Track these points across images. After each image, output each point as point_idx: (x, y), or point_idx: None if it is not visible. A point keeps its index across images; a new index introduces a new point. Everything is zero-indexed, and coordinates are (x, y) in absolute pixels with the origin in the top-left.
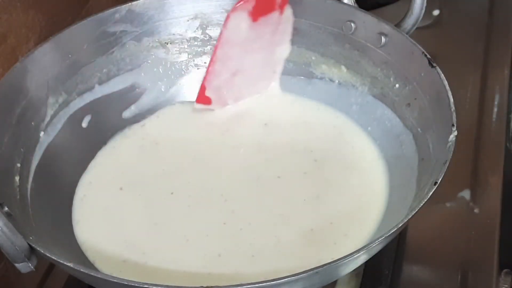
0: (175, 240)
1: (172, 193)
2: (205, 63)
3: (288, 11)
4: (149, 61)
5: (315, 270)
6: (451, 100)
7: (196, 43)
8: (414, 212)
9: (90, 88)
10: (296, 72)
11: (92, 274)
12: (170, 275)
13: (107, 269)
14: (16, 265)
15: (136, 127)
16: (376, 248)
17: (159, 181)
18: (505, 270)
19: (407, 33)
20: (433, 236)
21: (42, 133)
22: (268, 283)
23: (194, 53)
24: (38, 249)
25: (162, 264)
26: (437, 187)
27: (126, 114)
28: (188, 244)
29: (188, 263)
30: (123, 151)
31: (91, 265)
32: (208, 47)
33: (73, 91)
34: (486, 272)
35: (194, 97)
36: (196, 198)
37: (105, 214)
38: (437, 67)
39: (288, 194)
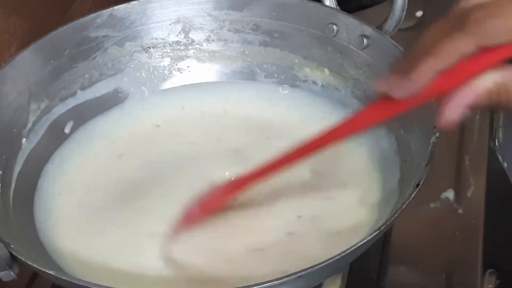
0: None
1: (150, 196)
2: (188, 66)
3: None
4: (131, 66)
5: (298, 274)
6: (433, 101)
7: (178, 47)
8: (397, 214)
9: (73, 94)
10: (279, 75)
11: (74, 282)
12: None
13: (88, 276)
14: None
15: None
16: (358, 250)
17: (137, 183)
18: (489, 270)
19: (389, 35)
20: (418, 237)
21: (24, 140)
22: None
23: (177, 57)
24: (19, 257)
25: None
26: (419, 189)
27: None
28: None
29: (162, 265)
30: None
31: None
32: (191, 51)
33: (56, 97)
34: (470, 272)
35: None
36: (175, 201)
37: (83, 220)
38: None
39: (274, 194)
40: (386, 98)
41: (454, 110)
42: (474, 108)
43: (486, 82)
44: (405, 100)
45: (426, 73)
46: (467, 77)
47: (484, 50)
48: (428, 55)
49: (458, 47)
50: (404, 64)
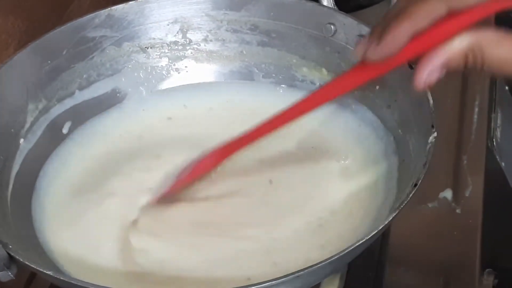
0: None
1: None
2: (186, 67)
3: None
4: (129, 66)
5: (296, 274)
6: (431, 101)
7: (176, 47)
8: (394, 214)
9: (71, 94)
10: (277, 75)
11: (72, 282)
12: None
13: (86, 277)
14: None
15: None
16: (356, 250)
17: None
18: (487, 270)
19: None
20: (416, 237)
21: (22, 140)
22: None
23: (174, 57)
24: (17, 257)
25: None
26: (417, 189)
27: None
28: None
29: (164, 266)
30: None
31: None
32: (189, 51)
33: (53, 97)
34: (468, 272)
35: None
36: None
37: (81, 221)
38: None
39: (271, 196)
40: (363, 63)
41: (429, 71)
42: (449, 70)
43: (460, 44)
44: (381, 64)
45: (400, 35)
46: (441, 39)
47: (456, 12)
48: (401, 18)
49: (431, 9)
50: (379, 28)
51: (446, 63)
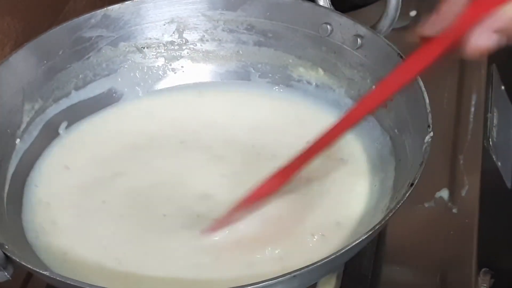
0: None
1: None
2: (182, 67)
3: None
4: (125, 66)
5: (293, 274)
6: (427, 101)
7: (173, 47)
8: (391, 213)
9: (67, 94)
10: (273, 75)
11: (68, 282)
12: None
13: (84, 276)
14: None
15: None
16: (353, 250)
17: (129, 184)
18: (483, 269)
19: (383, 35)
20: (412, 237)
21: (18, 140)
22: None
23: (171, 57)
24: (13, 258)
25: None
26: (414, 188)
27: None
28: (153, 248)
29: (157, 268)
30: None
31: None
32: (185, 51)
33: (49, 97)
34: (465, 271)
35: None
36: (167, 201)
37: (78, 220)
38: None
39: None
40: (423, 44)
41: (482, 36)
42: (502, 35)
43: None
44: (440, 38)
45: (454, 4)
46: (495, 5)
47: None
48: None
49: None
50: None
51: (498, 27)
